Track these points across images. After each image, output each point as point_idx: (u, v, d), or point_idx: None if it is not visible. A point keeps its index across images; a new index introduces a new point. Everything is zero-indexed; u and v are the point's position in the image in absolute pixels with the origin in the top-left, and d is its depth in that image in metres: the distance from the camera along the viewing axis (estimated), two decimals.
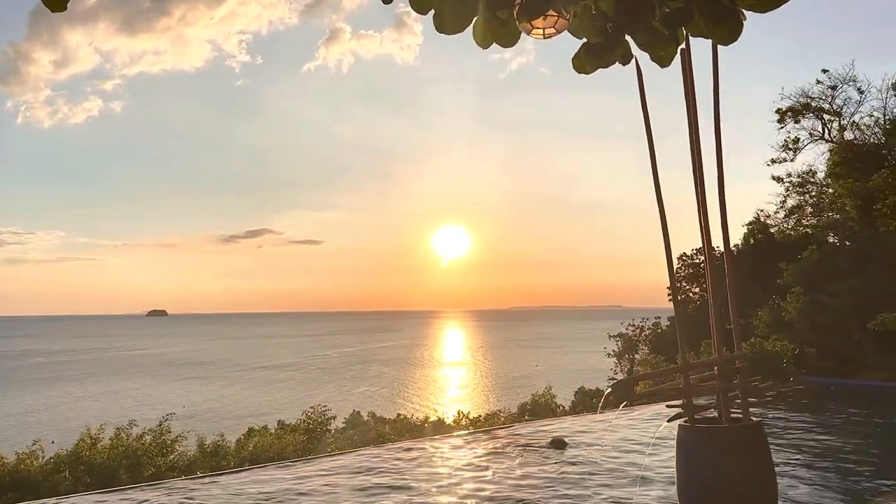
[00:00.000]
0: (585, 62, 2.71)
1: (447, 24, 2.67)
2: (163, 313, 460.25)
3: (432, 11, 2.65)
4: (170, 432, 12.46)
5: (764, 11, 2.33)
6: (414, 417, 18.83)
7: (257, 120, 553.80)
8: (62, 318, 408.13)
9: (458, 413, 18.70)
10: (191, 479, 8.11)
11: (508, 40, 2.81)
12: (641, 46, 2.60)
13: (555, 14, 2.67)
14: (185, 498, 6.92)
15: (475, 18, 2.71)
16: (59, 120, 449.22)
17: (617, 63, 2.81)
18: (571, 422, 11.47)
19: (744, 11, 2.39)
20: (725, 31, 2.42)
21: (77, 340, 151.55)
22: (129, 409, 46.42)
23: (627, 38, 2.65)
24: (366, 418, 20.97)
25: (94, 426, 12.14)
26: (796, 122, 24.99)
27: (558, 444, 9.05)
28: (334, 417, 17.41)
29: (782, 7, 2.38)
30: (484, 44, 2.74)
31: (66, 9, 2.31)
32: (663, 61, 2.71)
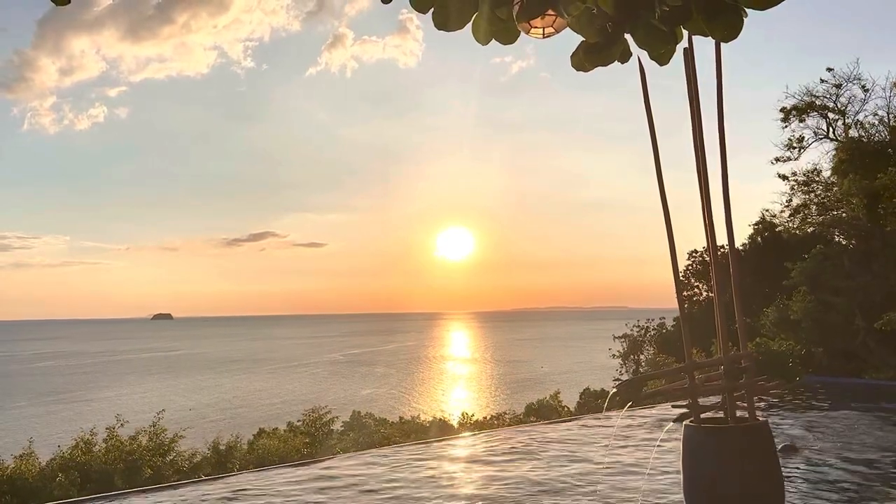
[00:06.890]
0: (585, 60, 2.71)
1: (451, 20, 2.68)
2: (168, 317, 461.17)
3: (432, 11, 2.65)
4: (165, 431, 12.43)
5: (762, 9, 2.31)
6: (422, 419, 18.90)
7: (261, 124, 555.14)
8: (71, 323, 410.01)
9: (483, 412, 18.92)
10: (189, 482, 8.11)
11: (508, 37, 2.81)
12: (640, 45, 2.59)
13: (553, 13, 2.67)
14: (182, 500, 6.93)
15: (475, 15, 2.71)
16: (64, 126, 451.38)
17: (618, 63, 2.80)
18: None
19: (744, 8, 2.36)
20: (725, 27, 2.40)
21: (111, 343, 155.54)
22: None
23: (627, 36, 2.64)
24: (394, 419, 20.93)
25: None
26: (801, 120, 24.85)
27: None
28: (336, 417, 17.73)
29: (787, 6, 2.36)
30: (484, 40, 2.74)
31: (70, 2, 2.34)
32: (662, 59, 2.69)
